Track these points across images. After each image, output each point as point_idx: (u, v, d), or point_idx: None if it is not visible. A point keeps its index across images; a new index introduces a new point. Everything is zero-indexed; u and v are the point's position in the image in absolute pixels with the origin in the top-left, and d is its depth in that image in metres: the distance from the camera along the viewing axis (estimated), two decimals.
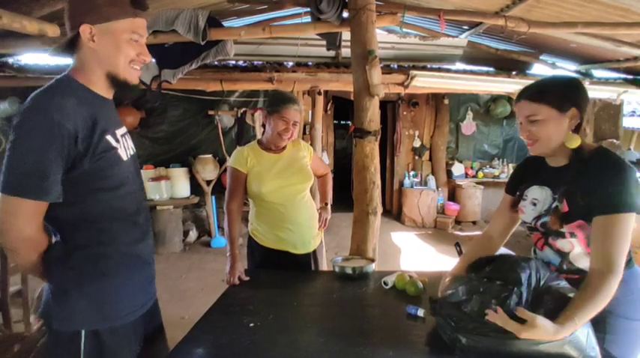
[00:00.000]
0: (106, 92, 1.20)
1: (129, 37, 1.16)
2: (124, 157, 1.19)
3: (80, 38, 1.11)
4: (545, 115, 1.25)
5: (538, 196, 1.34)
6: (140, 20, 1.18)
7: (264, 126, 2.02)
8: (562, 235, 1.28)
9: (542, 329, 1.04)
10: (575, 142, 1.24)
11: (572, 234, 1.26)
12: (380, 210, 2.45)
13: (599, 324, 1.21)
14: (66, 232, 1.14)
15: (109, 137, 1.14)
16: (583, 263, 1.27)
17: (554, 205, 1.28)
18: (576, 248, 1.27)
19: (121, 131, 1.23)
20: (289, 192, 1.95)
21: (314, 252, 2.08)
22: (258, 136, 5.24)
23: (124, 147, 1.21)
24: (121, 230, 1.19)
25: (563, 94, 1.25)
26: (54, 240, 1.17)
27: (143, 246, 1.27)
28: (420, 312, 1.39)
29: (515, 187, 1.45)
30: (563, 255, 1.30)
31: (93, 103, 1.13)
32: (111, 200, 1.16)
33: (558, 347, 1.07)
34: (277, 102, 1.91)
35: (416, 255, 5.02)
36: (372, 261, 1.95)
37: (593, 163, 1.22)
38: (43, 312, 1.17)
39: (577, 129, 1.26)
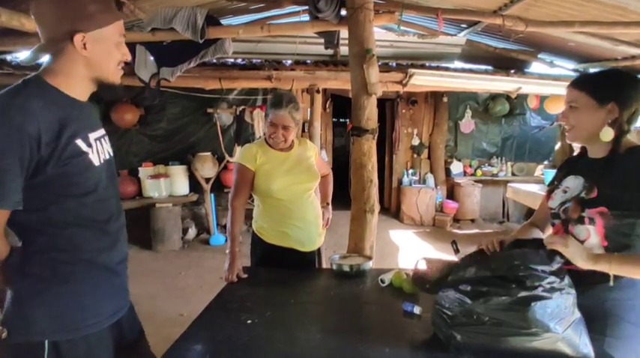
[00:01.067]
0: (82, 95, 1.16)
1: (117, 41, 1.14)
2: (96, 162, 1.14)
3: (67, 44, 1.07)
4: (583, 104, 1.27)
5: (570, 184, 1.35)
6: (122, 21, 1.17)
7: None
8: (581, 221, 1.27)
9: (575, 246, 1.14)
10: (607, 136, 1.24)
11: (592, 221, 1.24)
12: (377, 208, 2.46)
13: (600, 326, 1.21)
14: (28, 238, 1.10)
15: (78, 141, 1.08)
16: None
17: (581, 193, 1.28)
18: (592, 237, 1.25)
19: (96, 134, 1.18)
20: (298, 190, 1.97)
21: (318, 249, 2.10)
22: (257, 134, 5.25)
23: (97, 152, 1.16)
24: (87, 237, 1.14)
25: (605, 87, 1.26)
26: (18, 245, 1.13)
27: (111, 255, 1.22)
28: (416, 310, 1.41)
29: (557, 181, 1.45)
30: None
31: (63, 106, 1.08)
32: (78, 207, 1.11)
33: (552, 344, 1.08)
34: (268, 107, 1.95)
35: (414, 253, 5.04)
36: (370, 258, 1.97)
37: (632, 157, 1.22)
38: (3, 321, 1.12)
39: (617, 125, 1.25)
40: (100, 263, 1.18)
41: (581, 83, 1.30)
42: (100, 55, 1.11)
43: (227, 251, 1.84)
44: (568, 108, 1.32)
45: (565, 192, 1.36)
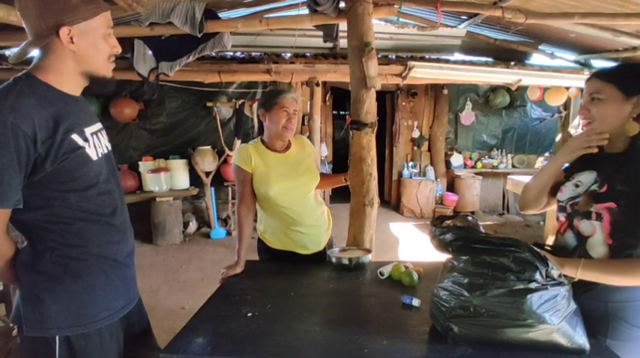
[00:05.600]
0: (74, 90, 1.15)
1: (105, 33, 1.13)
2: (94, 157, 1.14)
3: (54, 39, 1.06)
4: (608, 95, 1.22)
5: (583, 179, 1.31)
6: (109, 12, 1.15)
7: (261, 126, 1.95)
8: (588, 216, 1.24)
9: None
10: (633, 130, 1.21)
11: (599, 216, 1.21)
12: (377, 201, 2.47)
13: (602, 328, 1.20)
14: (34, 236, 1.11)
15: (74, 136, 1.08)
16: (597, 252, 1.23)
17: (592, 187, 1.26)
18: (597, 234, 1.23)
19: (93, 129, 1.18)
20: (298, 194, 1.90)
21: (324, 248, 2.05)
22: (257, 127, 5.23)
23: (95, 146, 1.16)
24: (94, 232, 1.15)
25: (633, 80, 1.22)
26: (24, 244, 1.14)
27: (119, 248, 1.23)
28: (415, 302, 1.42)
29: (569, 173, 1.41)
30: (582, 240, 1.27)
31: (56, 102, 1.07)
32: (81, 201, 1.12)
33: (547, 335, 1.09)
34: (273, 96, 1.87)
35: (414, 246, 5.06)
36: (369, 251, 1.97)
37: None
38: (15, 317, 1.14)
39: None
40: (109, 256, 1.19)
41: (607, 74, 1.25)
42: (88, 49, 1.10)
43: (236, 249, 1.83)
44: (589, 100, 1.26)
45: (577, 186, 1.32)
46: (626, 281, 1.16)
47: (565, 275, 1.14)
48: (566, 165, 1.40)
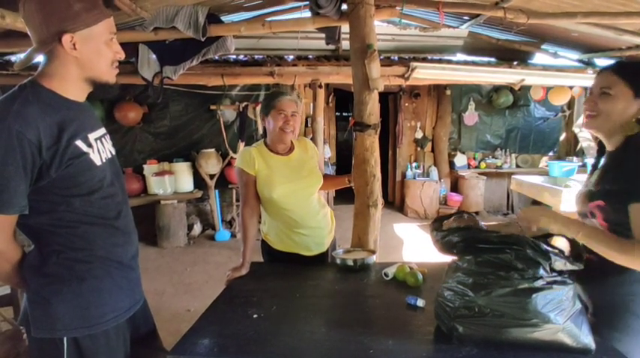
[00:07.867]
0: (78, 96, 1.16)
1: (107, 39, 1.13)
2: (98, 162, 1.15)
3: (57, 46, 1.07)
4: (618, 92, 1.21)
5: (592, 179, 1.34)
6: (112, 18, 1.16)
7: (264, 129, 1.96)
8: (584, 215, 1.27)
9: (544, 213, 1.17)
10: (630, 130, 1.21)
11: (593, 215, 1.23)
12: (380, 202, 2.48)
13: (612, 321, 1.21)
14: (41, 239, 1.13)
15: (78, 142, 1.10)
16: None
17: (590, 187, 1.27)
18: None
19: (96, 134, 1.19)
20: (301, 196, 1.91)
21: (327, 250, 2.05)
22: (260, 130, 5.24)
23: (99, 151, 1.17)
24: (99, 235, 1.17)
25: None
26: (31, 247, 1.15)
27: (124, 250, 1.24)
28: (420, 302, 1.42)
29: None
30: None
31: (60, 109, 1.08)
32: (85, 206, 1.13)
33: (552, 334, 1.09)
34: (271, 99, 1.87)
35: (418, 247, 5.05)
36: (373, 252, 1.97)
37: (635, 151, 1.19)
38: (23, 320, 1.16)
39: None
40: (114, 259, 1.21)
41: (621, 70, 1.23)
42: (91, 55, 1.11)
43: (241, 250, 1.84)
44: (599, 94, 1.25)
45: (586, 186, 1.35)
46: (621, 259, 1.13)
47: (571, 247, 1.14)
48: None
